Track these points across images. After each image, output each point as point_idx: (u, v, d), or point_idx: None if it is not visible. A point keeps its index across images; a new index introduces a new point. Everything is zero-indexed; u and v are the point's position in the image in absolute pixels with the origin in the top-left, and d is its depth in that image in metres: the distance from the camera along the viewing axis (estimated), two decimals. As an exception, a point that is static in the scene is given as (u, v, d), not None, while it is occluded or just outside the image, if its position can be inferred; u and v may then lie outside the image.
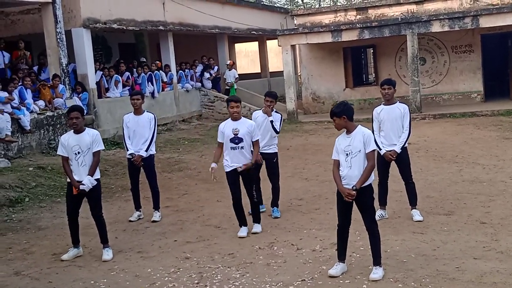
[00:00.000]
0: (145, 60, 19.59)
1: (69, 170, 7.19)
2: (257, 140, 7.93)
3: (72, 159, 7.16)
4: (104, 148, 7.48)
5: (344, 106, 6.12)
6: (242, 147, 7.72)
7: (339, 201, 6.24)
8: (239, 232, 7.80)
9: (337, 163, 6.19)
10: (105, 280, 6.55)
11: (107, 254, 7.27)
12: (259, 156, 8.22)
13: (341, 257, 6.31)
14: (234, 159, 7.74)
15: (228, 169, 7.78)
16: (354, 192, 5.98)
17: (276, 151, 8.89)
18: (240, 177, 7.80)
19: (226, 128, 7.81)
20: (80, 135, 7.16)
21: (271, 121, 8.66)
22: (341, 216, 6.25)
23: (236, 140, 7.70)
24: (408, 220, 8.04)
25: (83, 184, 7.07)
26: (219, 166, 7.86)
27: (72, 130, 7.22)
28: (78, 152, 7.11)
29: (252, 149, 7.86)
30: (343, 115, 6.04)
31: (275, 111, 8.86)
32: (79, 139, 7.14)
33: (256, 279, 6.26)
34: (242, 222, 7.90)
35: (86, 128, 7.32)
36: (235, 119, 7.80)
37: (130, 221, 9.01)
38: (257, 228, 7.94)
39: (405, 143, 8.03)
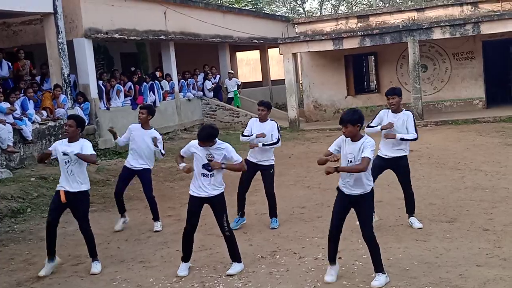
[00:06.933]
0: (134, 69, 19.56)
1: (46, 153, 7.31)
2: (242, 162, 6.90)
3: (62, 167, 7.13)
4: (94, 153, 7.22)
5: (359, 114, 6.07)
6: (213, 175, 6.71)
7: (337, 204, 6.25)
8: (179, 270, 6.87)
9: (328, 153, 6.19)
10: (107, 290, 6.54)
11: (95, 267, 7.19)
12: (237, 166, 6.93)
13: (333, 260, 6.34)
14: (203, 188, 6.75)
15: (193, 194, 6.84)
16: (333, 169, 5.94)
17: (273, 163, 8.73)
18: (210, 206, 6.88)
19: (199, 150, 6.75)
20: (72, 144, 7.11)
21: (264, 144, 8.47)
22: (335, 220, 6.26)
23: (209, 167, 6.68)
24: (410, 227, 8.01)
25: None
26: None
27: (67, 139, 7.21)
28: (68, 161, 7.06)
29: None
30: (358, 123, 6.01)
31: (270, 119, 8.73)
32: (70, 148, 7.07)
33: (259, 288, 6.25)
34: (186, 257, 6.92)
35: (81, 139, 7.24)
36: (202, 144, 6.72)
37: (116, 231, 8.98)
38: (234, 268, 6.79)
39: (406, 139, 7.90)
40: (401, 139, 7.88)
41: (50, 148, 7.31)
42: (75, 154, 6.97)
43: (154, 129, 8.95)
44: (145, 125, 8.85)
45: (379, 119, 8.07)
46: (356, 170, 6.00)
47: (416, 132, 7.97)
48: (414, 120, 8.03)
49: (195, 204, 6.83)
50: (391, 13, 21.81)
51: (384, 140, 8.02)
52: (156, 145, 8.74)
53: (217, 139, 6.79)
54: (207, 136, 6.67)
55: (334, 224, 6.28)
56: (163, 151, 8.88)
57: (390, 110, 8.06)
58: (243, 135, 8.69)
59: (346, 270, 6.55)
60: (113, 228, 9.12)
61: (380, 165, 7.94)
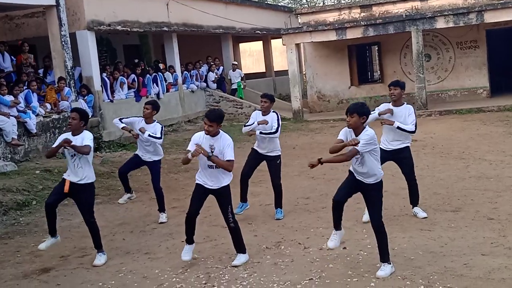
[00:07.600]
0: (137, 61, 19.55)
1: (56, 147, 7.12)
2: (231, 161, 6.65)
3: (69, 161, 7.14)
4: (91, 146, 7.11)
5: (367, 108, 6.11)
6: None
7: (346, 181, 6.33)
8: (182, 253, 6.91)
9: (339, 140, 6.18)
10: (113, 282, 6.56)
11: (99, 259, 7.22)
12: (224, 164, 6.64)
13: (338, 226, 6.41)
14: (208, 178, 6.80)
15: (199, 182, 6.87)
16: (317, 161, 5.98)
17: (279, 154, 8.74)
18: (215, 198, 6.91)
19: (203, 141, 6.70)
20: (76, 137, 7.11)
21: (261, 132, 8.45)
22: (342, 192, 6.29)
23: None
24: (415, 217, 8.02)
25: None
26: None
27: (70, 132, 7.21)
28: (74, 155, 7.07)
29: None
30: (364, 116, 6.03)
31: (272, 111, 8.70)
32: (74, 141, 7.06)
33: (264, 279, 6.26)
34: (189, 239, 6.92)
35: (84, 131, 7.23)
36: (208, 132, 6.66)
37: (119, 203, 9.25)
38: (239, 259, 6.82)
39: (403, 129, 7.80)
40: (398, 127, 7.81)
41: (55, 144, 7.26)
42: (71, 146, 6.96)
43: (157, 122, 8.96)
44: (148, 119, 8.86)
45: (378, 109, 8.07)
46: (339, 160, 6.08)
47: (415, 126, 7.89)
48: (415, 113, 8.00)
49: (200, 191, 6.85)
50: (394, 3, 21.70)
51: (385, 130, 8.00)
52: (143, 132, 8.69)
53: (221, 130, 6.77)
54: (217, 116, 6.65)
55: (339, 194, 6.30)
56: (153, 135, 8.68)
57: (391, 104, 8.05)
58: (245, 126, 8.72)
59: (351, 260, 6.56)
60: (119, 219, 9.15)
61: (382, 157, 7.91)
